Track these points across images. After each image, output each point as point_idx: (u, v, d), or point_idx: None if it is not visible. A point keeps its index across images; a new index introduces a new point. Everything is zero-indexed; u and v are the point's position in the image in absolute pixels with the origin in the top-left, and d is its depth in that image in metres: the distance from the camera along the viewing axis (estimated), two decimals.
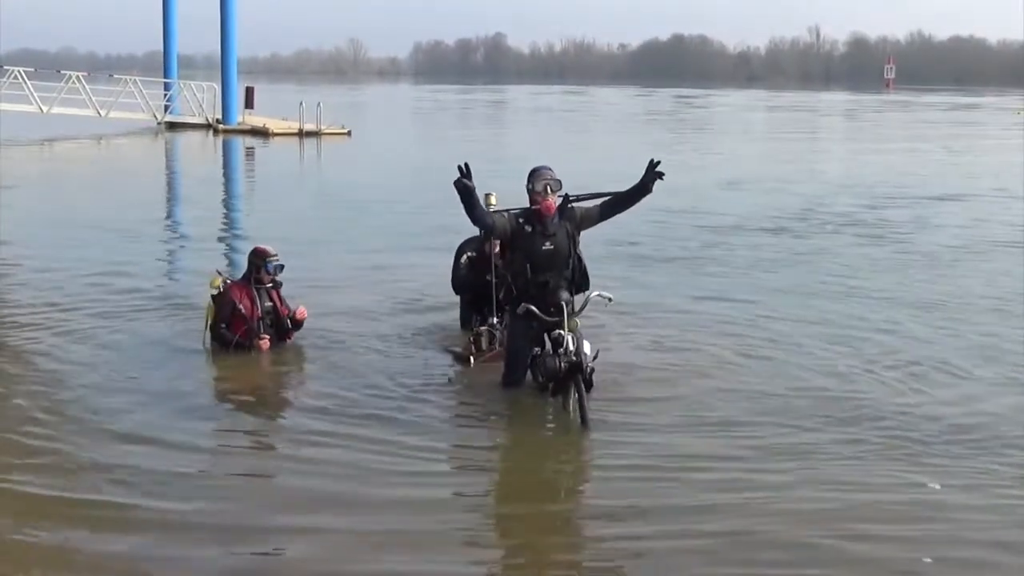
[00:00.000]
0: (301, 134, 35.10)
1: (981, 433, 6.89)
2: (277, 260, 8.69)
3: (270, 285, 8.69)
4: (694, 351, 8.80)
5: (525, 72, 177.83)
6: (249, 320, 8.53)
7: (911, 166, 27.09)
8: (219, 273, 8.98)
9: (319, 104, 36.08)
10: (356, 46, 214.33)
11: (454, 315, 9.67)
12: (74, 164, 28.29)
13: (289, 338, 8.81)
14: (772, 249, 14.19)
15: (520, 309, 7.16)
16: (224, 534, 5.33)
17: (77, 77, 37.62)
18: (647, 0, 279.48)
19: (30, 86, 36.24)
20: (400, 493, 5.82)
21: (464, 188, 6.87)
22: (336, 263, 12.75)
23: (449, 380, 7.97)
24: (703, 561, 5.12)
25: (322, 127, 35.60)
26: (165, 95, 39.61)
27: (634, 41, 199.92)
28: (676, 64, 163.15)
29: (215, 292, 8.68)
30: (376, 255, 13.35)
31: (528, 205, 7.27)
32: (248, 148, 32.08)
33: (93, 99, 37.11)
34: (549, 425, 7.11)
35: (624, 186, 7.33)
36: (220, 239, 15.48)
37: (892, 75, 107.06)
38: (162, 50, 43.69)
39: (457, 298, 9.20)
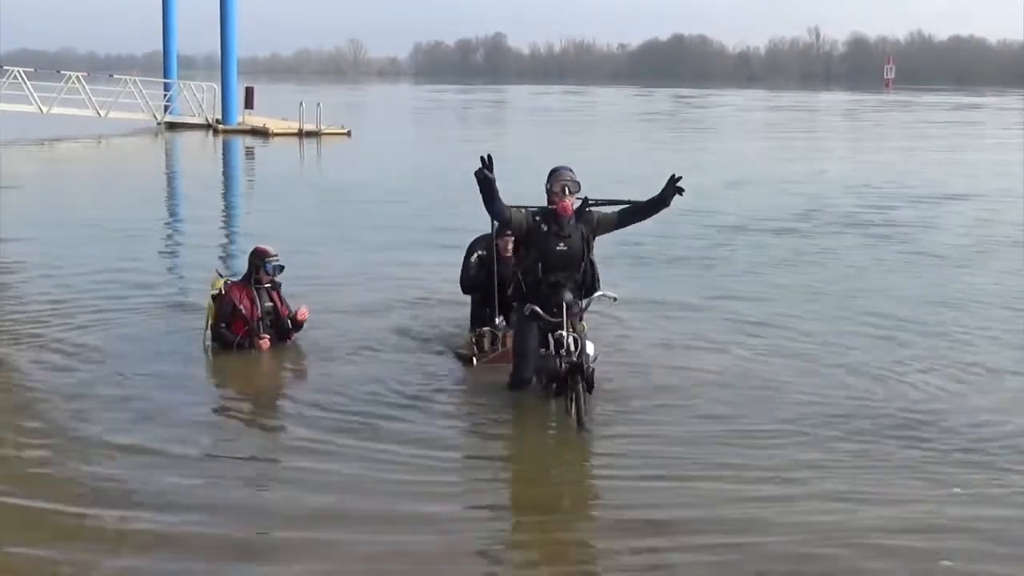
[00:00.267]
0: (301, 134, 35.07)
1: (1002, 439, 6.76)
2: (276, 260, 8.66)
3: (268, 285, 8.66)
4: (704, 354, 8.71)
5: (525, 72, 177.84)
6: (249, 320, 8.50)
7: (915, 166, 27.02)
8: (220, 275, 8.95)
9: (319, 104, 36.05)
10: (356, 46, 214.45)
11: (456, 315, 9.63)
12: (74, 164, 28.26)
13: (290, 338, 8.77)
14: (778, 249, 14.13)
15: (526, 310, 7.13)
16: (223, 548, 5.20)
17: (77, 77, 37.59)
18: (647, 0, 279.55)
19: (30, 86, 36.20)
20: (403, 505, 5.67)
21: (485, 179, 6.84)
22: (337, 263, 12.70)
23: (451, 382, 7.89)
24: (719, 573, 5.01)
25: (322, 127, 35.57)
26: (165, 95, 39.58)
27: (634, 41, 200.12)
28: (676, 64, 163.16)
29: (216, 293, 8.64)
30: (377, 255, 13.31)
31: (547, 204, 7.24)
32: (248, 148, 32.05)
33: (93, 99, 37.09)
34: (552, 431, 7.00)
35: (630, 190, 7.30)
36: (220, 239, 15.43)
37: (892, 75, 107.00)
38: (162, 50, 43.72)
39: (465, 298, 9.03)
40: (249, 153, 30.95)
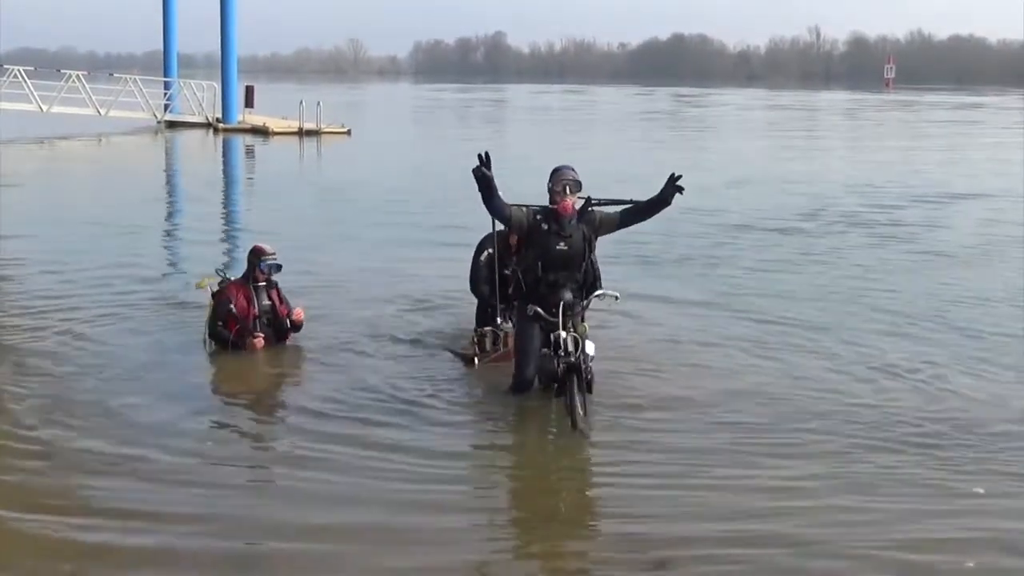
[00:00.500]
0: (301, 133, 35.07)
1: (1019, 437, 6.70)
2: (273, 259, 8.63)
3: (263, 284, 8.66)
4: (712, 353, 8.65)
5: (525, 71, 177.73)
6: (244, 319, 8.50)
7: (918, 166, 26.98)
8: (218, 272, 8.92)
9: (319, 103, 36.04)
10: (356, 45, 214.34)
11: (457, 314, 9.63)
12: (74, 163, 28.25)
13: (287, 338, 8.76)
14: (783, 249, 14.08)
15: (529, 310, 7.09)
16: (217, 560, 5.11)
17: (77, 76, 37.58)
18: (647, 0, 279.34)
19: (30, 85, 36.21)
20: (402, 516, 5.54)
21: (483, 176, 6.81)
22: (337, 262, 12.68)
23: (452, 384, 7.81)
24: None
25: (322, 126, 35.56)
26: (165, 94, 39.57)
27: (634, 40, 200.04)
28: (676, 63, 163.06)
29: (207, 291, 8.67)
30: (377, 254, 13.30)
31: (548, 204, 7.21)
32: (248, 147, 32.04)
33: (93, 98, 37.07)
34: (553, 436, 6.83)
35: (632, 190, 7.28)
36: (220, 237, 15.43)
37: (892, 75, 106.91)
38: (162, 49, 43.67)
39: (471, 297, 8.87)
40: (249, 152, 30.94)
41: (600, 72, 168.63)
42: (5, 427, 6.77)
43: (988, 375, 8.18)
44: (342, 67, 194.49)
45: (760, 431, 6.84)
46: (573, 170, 7.18)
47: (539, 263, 7.11)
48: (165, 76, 41.42)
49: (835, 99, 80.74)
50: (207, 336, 8.66)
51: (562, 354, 6.90)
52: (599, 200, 7.32)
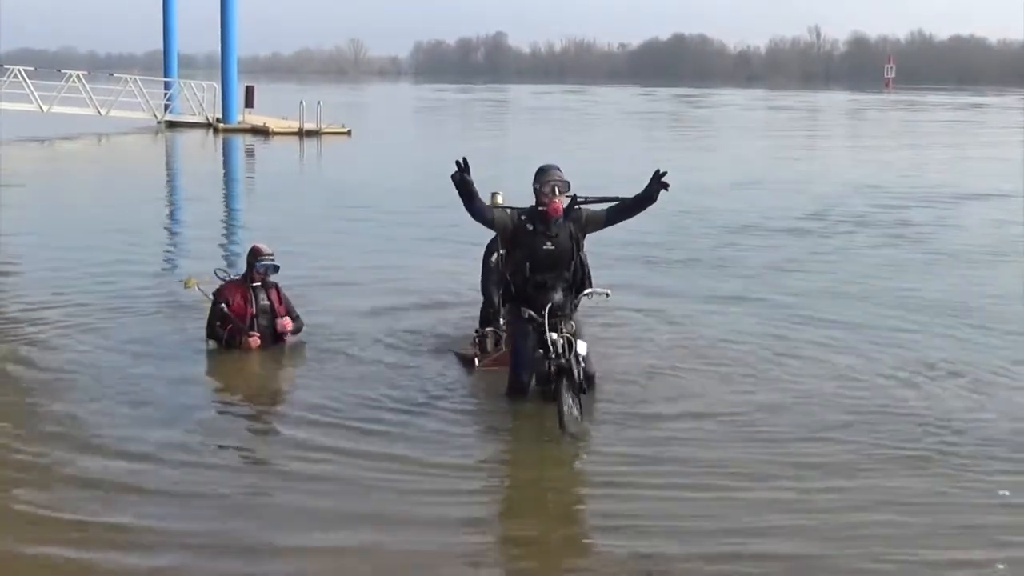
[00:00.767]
0: (301, 133, 35.06)
1: None
2: (269, 260, 8.61)
3: (258, 284, 8.64)
4: (724, 356, 8.51)
5: (525, 71, 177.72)
6: (239, 319, 8.49)
7: (923, 166, 26.95)
8: (217, 274, 8.86)
9: (319, 103, 36.03)
10: (356, 45, 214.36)
11: (457, 315, 9.62)
12: (74, 163, 28.26)
13: (284, 340, 8.73)
14: (790, 250, 13.99)
15: (524, 313, 7.03)
16: (219, 556, 5.09)
17: (77, 76, 37.60)
18: (647, 0, 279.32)
19: (30, 85, 36.25)
20: (401, 526, 5.40)
21: (462, 181, 6.77)
22: (338, 262, 12.66)
23: (452, 386, 7.74)
24: None
25: (322, 126, 35.55)
26: (165, 94, 39.58)
27: (634, 40, 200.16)
28: (676, 63, 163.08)
29: (195, 290, 8.75)
30: (378, 254, 13.28)
31: (533, 204, 7.16)
32: (248, 147, 32.03)
33: (93, 98, 37.10)
34: (548, 441, 6.66)
35: (633, 190, 7.23)
36: (220, 238, 15.40)
37: (892, 75, 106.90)
38: (162, 49, 43.73)
39: (468, 298, 8.82)
40: (249, 152, 30.92)
41: (600, 72, 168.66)
42: (5, 421, 6.75)
43: (1009, 375, 8.07)
44: (343, 67, 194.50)
45: (785, 440, 6.65)
46: (559, 169, 7.12)
47: (527, 264, 7.05)
48: (165, 76, 41.43)
49: (836, 99, 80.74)
50: (206, 336, 8.66)
51: (552, 356, 6.84)
52: (585, 198, 7.24)
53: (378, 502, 5.67)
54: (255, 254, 8.65)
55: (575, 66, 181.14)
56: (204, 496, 5.79)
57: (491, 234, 8.32)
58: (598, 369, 7.39)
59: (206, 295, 8.81)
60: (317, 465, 6.17)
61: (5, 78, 37.16)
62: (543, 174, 7.08)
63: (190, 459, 6.29)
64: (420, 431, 6.74)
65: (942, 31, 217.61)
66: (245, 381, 8.03)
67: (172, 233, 16.02)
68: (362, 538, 5.27)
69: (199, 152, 31.87)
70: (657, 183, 6.98)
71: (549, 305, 6.96)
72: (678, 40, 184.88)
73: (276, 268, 8.70)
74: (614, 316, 9.58)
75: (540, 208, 7.04)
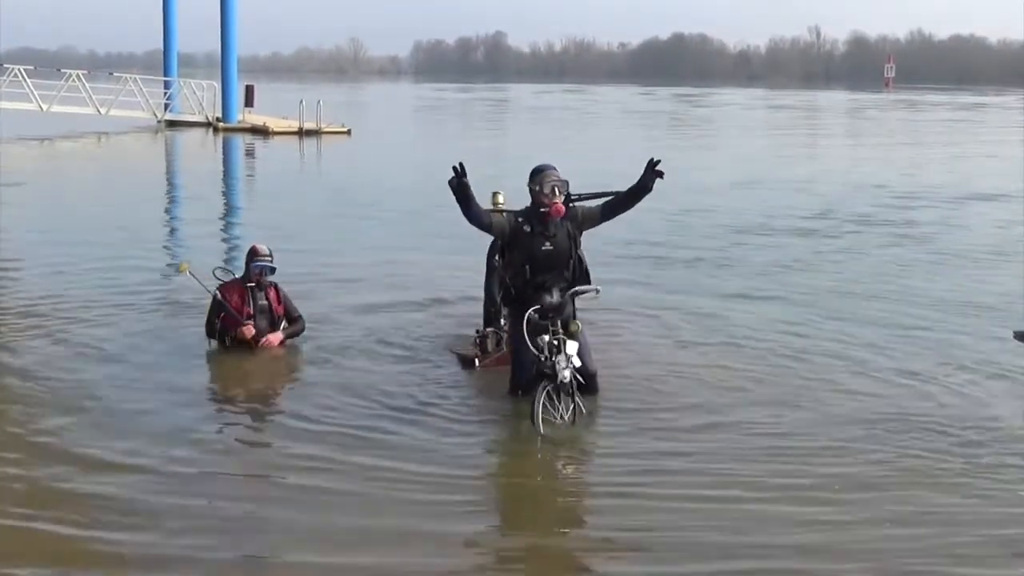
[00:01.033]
0: (301, 133, 35.03)
1: None
2: (265, 261, 8.59)
3: (253, 284, 8.62)
4: (732, 359, 8.39)
5: (525, 71, 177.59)
6: (234, 314, 8.49)
7: (926, 166, 26.92)
8: (215, 274, 8.81)
9: (319, 102, 36.00)
10: (356, 45, 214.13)
11: (458, 315, 9.59)
12: (74, 162, 28.24)
13: (283, 343, 8.68)
14: (796, 250, 13.93)
15: (530, 315, 6.94)
16: (224, 569, 5.02)
17: (77, 75, 37.59)
18: (647, 0, 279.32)
19: (30, 84, 36.25)
20: (398, 525, 5.37)
21: (459, 186, 6.72)
22: (337, 262, 12.65)
23: (453, 388, 7.67)
24: None
25: (322, 126, 35.53)
26: (165, 93, 39.56)
27: (634, 40, 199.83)
28: (676, 63, 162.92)
29: (187, 275, 8.83)
30: (379, 254, 13.24)
31: (528, 205, 7.10)
32: (248, 147, 32.00)
33: (93, 97, 37.09)
34: (548, 444, 6.57)
35: (628, 186, 7.20)
36: (220, 237, 15.39)
37: (892, 74, 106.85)
38: (162, 48, 43.75)
39: (470, 299, 8.75)
40: (249, 151, 30.89)
41: (600, 72, 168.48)
42: (3, 428, 6.70)
43: (1021, 378, 7.98)
44: (342, 67, 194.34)
45: (791, 439, 6.57)
46: (555, 169, 7.05)
47: (526, 266, 7.00)
48: (165, 75, 41.43)
49: (836, 99, 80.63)
50: (208, 336, 8.65)
51: (543, 358, 6.80)
52: (578, 195, 7.18)
53: (376, 516, 5.51)
54: (252, 254, 8.65)
55: (575, 66, 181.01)
56: (208, 496, 5.75)
57: (477, 234, 8.34)
58: (599, 367, 7.29)
59: (199, 282, 8.79)
60: (312, 478, 5.99)
61: (5, 77, 37.14)
62: (540, 174, 7.00)
63: (187, 471, 6.11)
64: (418, 439, 6.60)
65: (942, 31, 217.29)
66: (247, 381, 7.97)
67: (172, 232, 16.01)
68: (359, 555, 5.14)
69: (199, 151, 31.84)
70: (651, 172, 6.88)
71: (541, 307, 6.89)
72: (678, 40, 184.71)
73: (272, 270, 8.68)
74: (617, 317, 9.56)
75: (542, 210, 6.97)
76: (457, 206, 6.85)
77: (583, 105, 64.40)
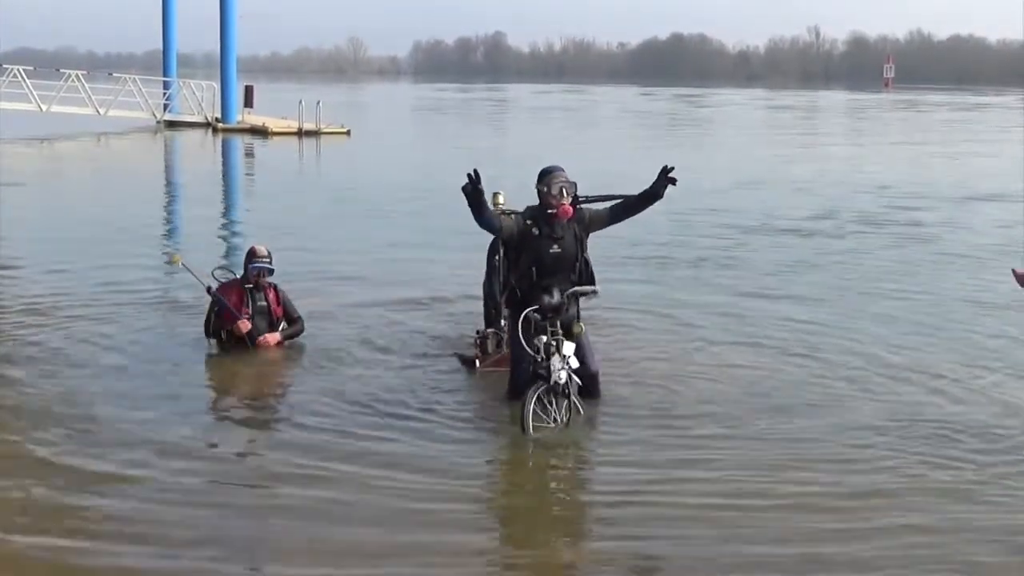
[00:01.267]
0: (300, 133, 34.99)
1: None
2: (262, 263, 8.55)
3: (250, 286, 8.57)
4: (739, 361, 8.32)
5: (525, 71, 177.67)
6: (231, 309, 8.45)
7: (928, 166, 26.87)
8: (214, 275, 8.74)
9: (319, 103, 35.96)
10: (356, 45, 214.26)
11: (458, 316, 9.54)
12: (73, 162, 28.19)
13: (281, 344, 8.64)
14: (801, 250, 13.88)
15: (531, 315, 6.86)
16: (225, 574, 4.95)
17: (76, 76, 37.55)
18: (647, 0, 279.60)
19: (29, 85, 36.22)
20: (402, 536, 5.28)
21: (474, 192, 6.66)
22: (337, 262, 12.59)
23: (453, 390, 7.60)
24: None
25: (321, 126, 35.48)
26: (164, 94, 39.53)
27: (634, 40, 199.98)
28: (675, 63, 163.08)
29: (180, 266, 8.87)
30: (377, 254, 13.21)
31: (535, 205, 7.03)
32: (247, 147, 31.97)
33: (92, 98, 37.07)
34: (563, 449, 6.51)
35: (635, 189, 7.08)
36: (219, 238, 15.34)
37: (891, 74, 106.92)
38: (161, 49, 43.75)
39: (469, 299, 8.72)
40: (248, 152, 30.87)
41: (599, 72, 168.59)
42: (2, 438, 6.59)
43: None
44: (342, 67, 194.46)
45: (802, 446, 6.49)
46: (563, 170, 6.98)
47: (533, 269, 6.94)
48: (164, 76, 41.40)
49: (836, 99, 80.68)
50: (207, 336, 8.61)
51: (539, 358, 6.73)
52: (587, 197, 7.12)
53: (373, 527, 5.39)
54: (251, 256, 8.62)
55: (574, 66, 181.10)
56: (207, 506, 5.67)
57: (486, 235, 8.27)
58: (600, 367, 7.24)
59: (193, 274, 8.75)
60: (309, 490, 5.86)
61: (4, 78, 37.11)
62: (548, 176, 6.93)
63: (185, 482, 5.97)
64: (416, 447, 6.48)
65: (941, 31, 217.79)
66: (247, 385, 7.92)
67: (171, 233, 15.93)
68: (358, 567, 5.04)
69: (198, 152, 31.81)
70: (664, 179, 6.86)
71: (543, 307, 6.80)
72: (677, 40, 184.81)
73: (271, 271, 8.63)
74: (620, 317, 9.52)
75: (549, 211, 6.90)
76: (463, 205, 6.77)
77: (582, 105, 64.44)
